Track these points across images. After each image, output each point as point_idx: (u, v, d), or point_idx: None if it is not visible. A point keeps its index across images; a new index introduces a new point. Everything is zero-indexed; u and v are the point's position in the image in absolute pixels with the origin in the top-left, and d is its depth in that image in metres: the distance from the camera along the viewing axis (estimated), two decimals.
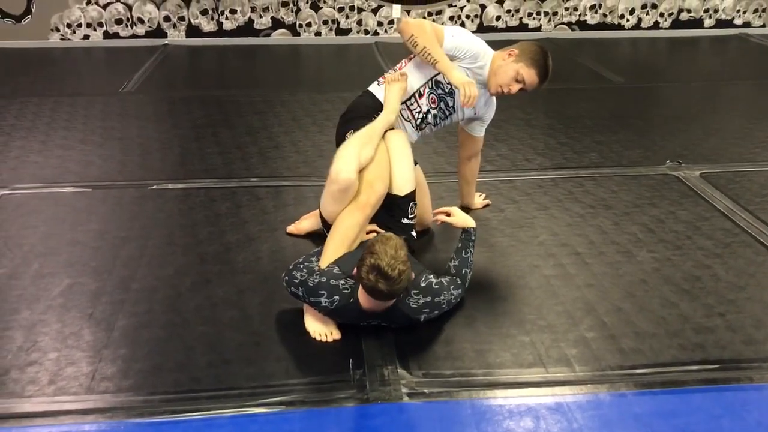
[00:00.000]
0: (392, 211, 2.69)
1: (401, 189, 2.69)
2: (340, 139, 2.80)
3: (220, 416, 2.04)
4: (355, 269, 2.25)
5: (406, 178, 2.71)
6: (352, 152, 2.60)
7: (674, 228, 3.19)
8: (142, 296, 2.62)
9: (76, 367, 2.23)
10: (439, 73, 2.82)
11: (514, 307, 2.58)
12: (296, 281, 2.37)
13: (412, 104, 2.88)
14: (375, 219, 2.65)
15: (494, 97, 3.01)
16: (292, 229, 3.08)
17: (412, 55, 2.89)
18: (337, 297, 2.30)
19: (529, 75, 2.79)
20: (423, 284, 2.37)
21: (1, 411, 2.05)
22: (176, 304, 2.57)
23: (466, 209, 3.33)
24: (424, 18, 7.03)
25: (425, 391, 2.15)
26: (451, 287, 2.44)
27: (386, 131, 2.75)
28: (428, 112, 2.89)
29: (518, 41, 2.92)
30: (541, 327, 2.46)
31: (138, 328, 2.44)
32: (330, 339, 2.36)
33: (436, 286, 2.39)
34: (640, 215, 3.31)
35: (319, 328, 2.38)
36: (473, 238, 2.59)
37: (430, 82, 2.84)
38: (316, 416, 2.05)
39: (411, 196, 2.72)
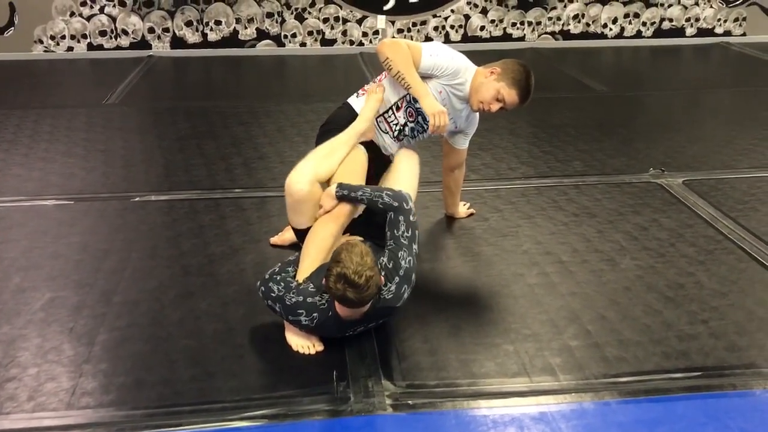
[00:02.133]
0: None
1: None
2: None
3: (203, 430, 2.03)
4: (324, 280, 2.22)
5: (413, 190, 2.78)
6: (309, 164, 2.63)
7: (657, 235, 3.20)
8: (124, 309, 2.60)
9: (57, 382, 2.20)
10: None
11: (498, 316, 2.58)
12: (273, 295, 2.35)
13: (389, 117, 2.88)
14: (359, 226, 2.64)
15: (477, 114, 3.01)
16: (275, 240, 3.07)
17: None
18: (315, 314, 2.28)
19: (510, 95, 2.77)
20: (383, 273, 2.31)
21: None
22: (159, 318, 2.55)
23: (451, 218, 3.35)
24: (408, 30, 7.06)
25: (409, 402, 2.14)
26: (395, 231, 2.40)
27: (401, 152, 2.88)
28: (405, 125, 2.89)
29: (501, 51, 2.94)
30: (525, 336, 2.46)
31: (120, 342, 2.41)
32: (313, 351, 2.35)
33: (391, 263, 2.34)
34: (624, 223, 3.33)
35: (301, 342, 2.37)
36: (345, 192, 2.51)
37: (407, 96, 2.83)
38: (300, 429, 2.04)
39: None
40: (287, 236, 3.04)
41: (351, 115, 2.83)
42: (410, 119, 2.88)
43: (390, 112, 2.87)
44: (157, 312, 2.59)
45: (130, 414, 2.09)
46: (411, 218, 2.46)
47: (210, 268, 2.90)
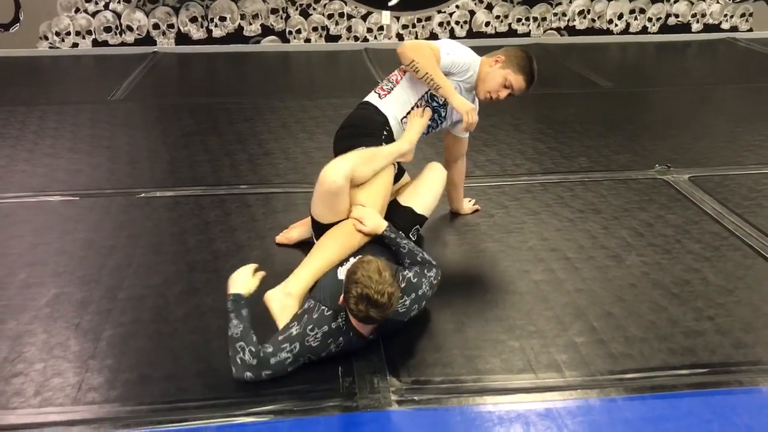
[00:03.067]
0: (402, 223, 2.72)
1: (425, 210, 2.82)
2: (344, 152, 2.72)
3: (209, 426, 2.03)
4: (341, 299, 2.17)
5: (431, 205, 2.86)
6: (349, 162, 2.58)
7: (663, 232, 3.19)
8: (129, 305, 2.60)
9: (63, 377, 2.21)
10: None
11: (503, 312, 2.58)
12: (290, 361, 2.16)
13: (410, 111, 2.89)
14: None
15: (477, 99, 3.03)
16: (281, 238, 3.06)
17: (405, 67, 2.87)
18: (341, 339, 2.22)
19: (517, 81, 2.84)
20: (403, 284, 2.32)
21: None
22: (164, 313, 2.56)
23: (456, 214, 3.35)
24: (413, 25, 7.05)
25: (415, 398, 2.14)
26: (425, 270, 2.43)
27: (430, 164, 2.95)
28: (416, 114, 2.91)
29: (508, 47, 2.94)
30: (530, 332, 2.46)
31: (125, 337, 2.42)
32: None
33: (415, 279, 2.36)
34: (630, 219, 3.32)
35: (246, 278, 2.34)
36: (393, 236, 2.54)
37: (426, 95, 2.87)
38: (305, 425, 2.04)
39: (423, 222, 2.81)
40: (293, 234, 3.04)
41: (382, 120, 2.81)
42: (428, 119, 2.91)
43: (412, 111, 2.88)
44: (162, 308, 2.59)
45: (135, 409, 2.09)
46: (439, 276, 2.47)
47: (215, 264, 2.90)
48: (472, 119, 2.80)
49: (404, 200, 2.84)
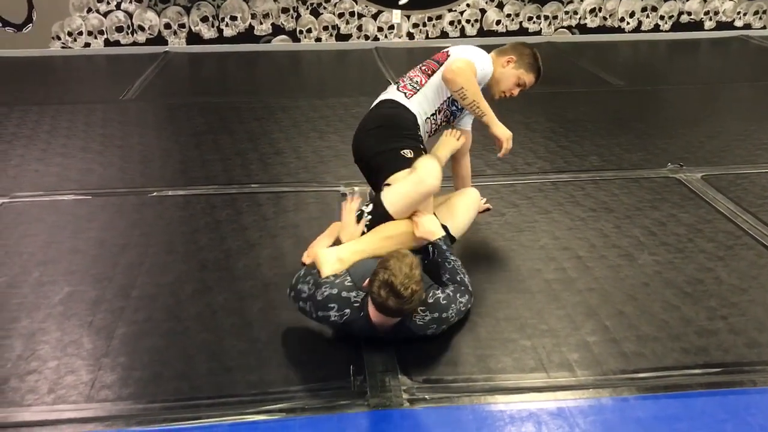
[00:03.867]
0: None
1: (457, 232, 2.77)
2: (391, 153, 2.70)
3: (221, 424, 2.04)
4: (367, 281, 2.21)
5: (463, 230, 2.82)
6: (437, 165, 2.59)
7: (676, 231, 3.18)
8: (142, 304, 2.62)
9: (76, 375, 2.22)
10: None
11: (515, 311, 2.57)
12: (304, 295, 2.33)
13: (434, 120, 2.91)
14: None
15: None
16: (306, 259, 2.83)
17: (428, 70, 2.87)
18: (347, 310, 2.26)
19: (529, 78, 2.94)
20: (430, 300, 2.32)
21: (1, 420, 2.05)
22: (176, 312, 2.57)
23: None
24: (424, 24, 7.04)
25: (426, 397, 2.14)
26: (458, 295, 2.40)
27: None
28: (440, 124, 2.97)
29: (511, 43, 2.97)
30: (542, 331, 2.45)
31: (138, 335, 2.43)
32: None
33: (444, 301, 2.34)
34: (642, 218, 3.30)
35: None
36: (444, 247, 2.55)
37: (447, 100, 2.89)
38: (317, 423, 2.04)
39: (452, 243, 2.72)
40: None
41: (413, 118, 2.80)
42: (445, 119, 2.95)
43: (434, 115, 2.90)
44: (174, 306, 2.60)
45: (148, 407, 2.10)
46: (469, 305, 2.47)
47: (227, 262, 2.91)
48: (509, 145, 2.86)
49: (441, 218, 2.79)
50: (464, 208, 2.86)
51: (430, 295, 2.33)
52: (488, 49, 2.95)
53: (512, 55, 2.90)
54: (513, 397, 2.14)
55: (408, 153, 2.68)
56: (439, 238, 2.55)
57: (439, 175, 2.57)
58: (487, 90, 2.93)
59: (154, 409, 2.09)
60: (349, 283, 2.30)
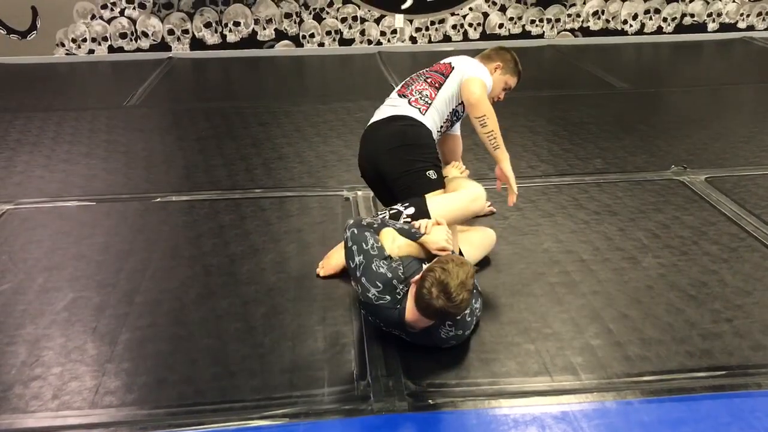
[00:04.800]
0: None
1: (471, 260, 2.73)
2: (416, 175, 2.72)
3: (225, 429, 2.04)
4: (418, 276, 2.18)
5: (476, 260, 2.84)
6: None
7: (680, 233, 3.17)
8: (146, 309, 2.62)
9: (80, 381, 2.23)
10: (460, 104, 2.86)
11: (518, 315, 2.57)
12: (364, 247, 2.30)
13: (441, 131, 2.93)
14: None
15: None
16: (322, 272, 2.84)
17: (435, 83, 2.87)
18: (388, 297, 2.24)
19: (513, 82, 3.05)
20: (468, 318, 2.31)
21: (5, 426, 2.05)
22: (180, 317, 2.57)
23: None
24: (426, 28, 7.04)
25: (430, 401, 2.13)
26: (473, 301, 2.35)
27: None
28: (442, 127, 2.95)
29: (521, 48, 3.00)
30: (546, 335, 2.45)
31: (142, 341, 2.43)
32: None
33: (469, 318, 2.32)
34: (646, 221, 3.29)
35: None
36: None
37: (452, 112, 2.91)
38: (321, 428, 2.04)
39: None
40: (332, 262, 2.84)
41: (429, 134, 2.82)
42: (447, 125, 2.95)
43: (442, 126, 2.92)
44: (178, 311, 2.61)
45: (152, 413, 2.11)
46: (479, 312, 2.44)
47: (230, 267, 2.91)
48: (516, 189, 2.87)
49: (460, 242, 2.81)
50: (482, 241, 2.92)
51: (468, 311, 2.29)
52: None
53: (498, 61, 2.97)
54: (517, 401, 2.14)
55: (432, 174, 2.73)
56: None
57: (485, 200, 2.74)
58: None
59: (158, 415, 2.10)
60: (402, 274, 2.29)
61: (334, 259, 2.85)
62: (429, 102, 2.84)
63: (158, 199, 3.60)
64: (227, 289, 2.75)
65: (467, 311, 2.29)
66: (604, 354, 2.34)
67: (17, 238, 3.19)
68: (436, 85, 2.86)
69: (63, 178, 3.88)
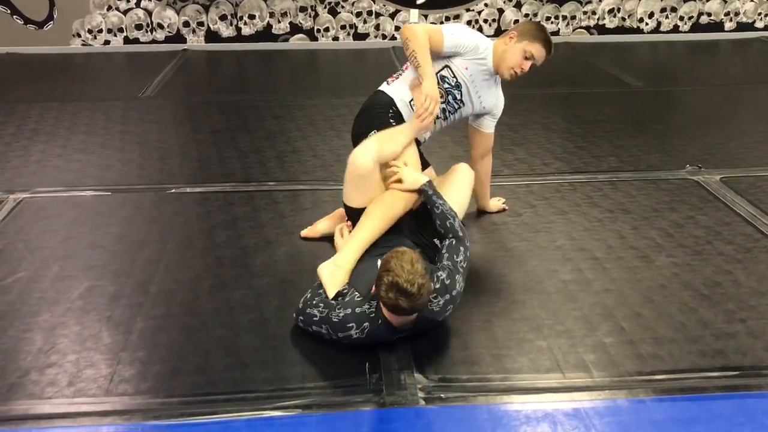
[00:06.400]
0: (428, 230, 2.68)
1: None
2: (358, 138, 2.79)
3: (237, 419, 2.05)
4: (374, 288, 2.22)
5: (461, 207, 2.86)
6: (373, 142, 2.66)
7: (694, 233, 3.16)
8: (160, 299, 2.64)
9: (95, 369, 2.25)
10: (443, 68, 2.88)
11: (531, 312, 2.57)
12: (316, 319, 2.32)
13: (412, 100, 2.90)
14: (402, 236, 2.64)
15: (501, 92, 3.06)
16: (306, 232, 3.09)
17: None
18: (366, 324, 2.26)
19: (536, 48, 2.86)
20: (437, 285, 2.33)
21: (21, 412, 2.08)
22: (194, 308, 2.59)
23: (483, 212, 3.34)
24: (441, 23, 7.03)
25: (441, 395, 2.14)
26: (455, 256, 2.42)
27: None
28: (444, 112, 2.93)
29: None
30: (558, 332, 2.44)
31: (156, 331, 2.45)
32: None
33: (448, 280, 2.34)
34: (659, 220, 3.28)
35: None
36: (430, 193, 2.60)
37: (436, 77, 2.84)
38: (333, 420, 2.05)
39: None
40: (319, 228, 3.08)
41: (388, 101, 2.85)
42: (441, 100, 2.87)
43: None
44: (192, 302, 2.62)
45: (166, 402, 2.12)
46: (467, 253, 2.49)
47: (244, 259, 2.93)
48: (429, 106, 2.71)
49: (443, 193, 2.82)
50: (456, 186, 2.89)
51: (435, 280, 2.32)
52: None
53: (514, 31, 2.90)
54: (528, 398, 2.14)
55: (372, 133, 2.73)
56: (424, 184, 2.61)
57: (366, 154, 2.61)
58: (498, 72, 2.93)
59: (171, 404, 2.11)
60: (358, 298, 2.31)
61: (320, 226, 3.08)
62: (400, 73, 2.93)
63: (173, 191, 3.62)
64: (240, 280, 2.77)
65: (441, 273, 2.34)
66: (617, 352, 2.34)
67: (33, 226, 3.22)
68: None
69: (78, 168, 3.91)
